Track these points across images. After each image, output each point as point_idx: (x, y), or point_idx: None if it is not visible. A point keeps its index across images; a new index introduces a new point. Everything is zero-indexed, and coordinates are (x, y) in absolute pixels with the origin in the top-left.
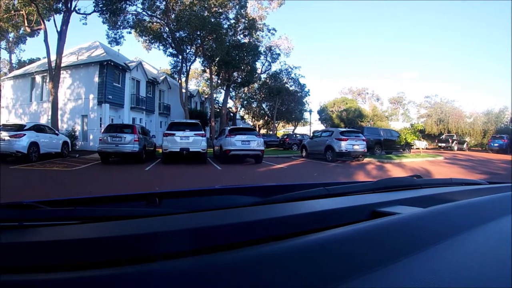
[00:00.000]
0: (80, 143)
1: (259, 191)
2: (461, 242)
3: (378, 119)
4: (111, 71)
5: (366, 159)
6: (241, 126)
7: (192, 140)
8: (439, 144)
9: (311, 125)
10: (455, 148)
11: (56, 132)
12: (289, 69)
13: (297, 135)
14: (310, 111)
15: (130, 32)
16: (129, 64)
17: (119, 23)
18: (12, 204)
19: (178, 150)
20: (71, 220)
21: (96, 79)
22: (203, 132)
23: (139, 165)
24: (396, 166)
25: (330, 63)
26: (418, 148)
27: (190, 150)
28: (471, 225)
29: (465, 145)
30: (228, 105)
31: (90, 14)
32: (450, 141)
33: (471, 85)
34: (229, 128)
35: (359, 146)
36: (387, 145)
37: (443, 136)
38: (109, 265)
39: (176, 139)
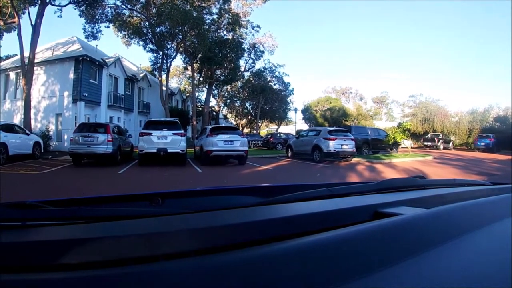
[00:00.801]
0: (54, 143)
1: (262, 191)
2: (464, 243)
3: (363, 118)
4: (87, 67)
5: (355, 159)
6: (223, 125)
7: (170, 140)
8: (425, 143)
9: (296, 124)
10: (441, 147)
11: (27, 132)
12: (273, 67)
13: (282, 135)
14: (296, 110)
15: (108, 27)
16: (106, 60)
17: (97, 17)
18: (15, 204)
19: (155, 151)
20: (74, 220)
21: (71, 75)
22: (182, 131)
23: (113, 168)
24: (387, 166)
25: (314, 62)
26: (407, 148)
27: (168, 151)
28: (474, 226)
29: (450, 144)
30: (211, 104)
31: (65, 6)
32: (436, 140)
33: (456, 84)
34: (210, 127)
35: (347, 146)
36: (374, 144)
37: (429, 135)
38: (112, 265)
39: (152, 139)
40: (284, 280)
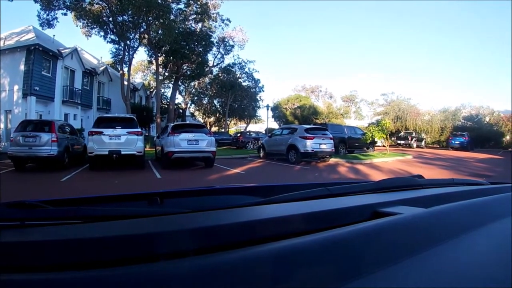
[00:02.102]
0: (3, 144)
1: (261, 191)
2: (463, 243)
3: (333, 116)
4: (39, 58)
5: (333, 160)
6: (187, 122)
7: (124, 140)
8: (398, 141)
9: (268, 122)
10: (414, 145)
11: None
12: (243, 63)
13: (252, 133)
14: (268, 107)
15: (65, 14)
16: (62, 51)
17: (54, 3)
18: (15, 203)
19: (106, 153)
20: (74, 220)
21: (22, 67)
22: (139, 129)
23: (59, 173)
24: (370, 167)
25: (283, 60)
26: (384, 146)
27: (122, 153)
28: (473, 226)
29: (423, 143)
30: (177, 101)
31: None
32: (410, 139)
33: (426, 83)
34: (172, 124)
35: (326, 145)
36: (350, 143)
37: (402, 134)
38: (112, 265)
39: (103, 139)
40: (283, 279)
